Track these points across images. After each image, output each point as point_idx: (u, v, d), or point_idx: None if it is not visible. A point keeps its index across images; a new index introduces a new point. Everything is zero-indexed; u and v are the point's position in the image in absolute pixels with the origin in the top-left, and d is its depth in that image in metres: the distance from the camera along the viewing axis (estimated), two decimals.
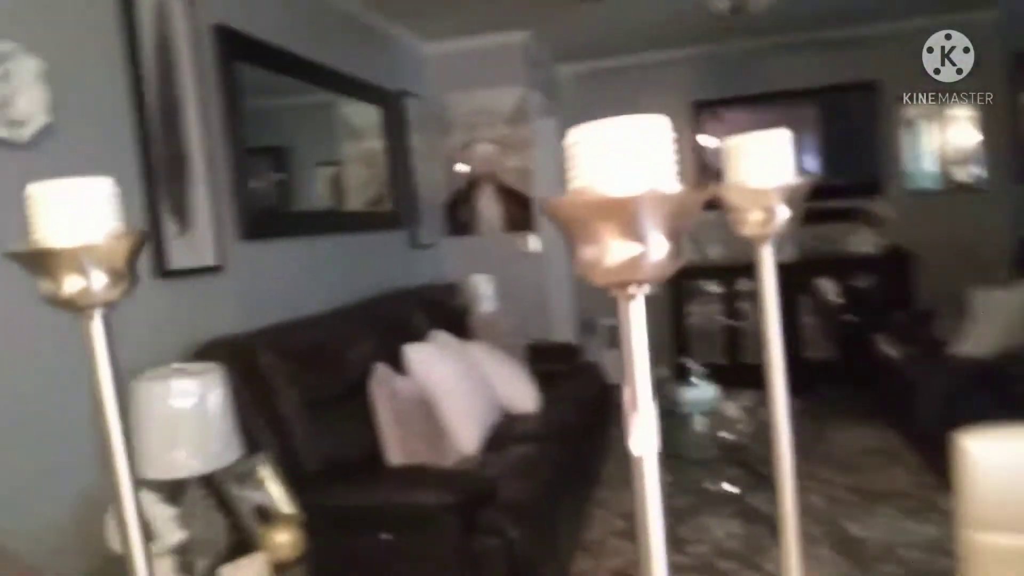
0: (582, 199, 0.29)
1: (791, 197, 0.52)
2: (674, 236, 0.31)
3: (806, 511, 2.96)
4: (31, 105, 1.84)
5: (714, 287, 5.16)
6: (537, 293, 4.54)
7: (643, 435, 0.32)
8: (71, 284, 0.38)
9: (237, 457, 1.87)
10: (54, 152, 1.89)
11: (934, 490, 3.07)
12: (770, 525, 2.87)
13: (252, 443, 2.05)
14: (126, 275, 0.39)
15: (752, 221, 0.53)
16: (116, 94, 2.16)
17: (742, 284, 4.95)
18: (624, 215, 0.29)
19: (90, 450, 1.93)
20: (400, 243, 4.11)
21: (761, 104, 5.17)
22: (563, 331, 4.67)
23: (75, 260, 0.37)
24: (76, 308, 0.39)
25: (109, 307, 0.39)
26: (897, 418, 3.78)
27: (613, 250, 0.30)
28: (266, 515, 1.97)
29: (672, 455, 3.38)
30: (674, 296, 5.14)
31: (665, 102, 5.09)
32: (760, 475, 3.06)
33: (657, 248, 0.30)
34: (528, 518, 2.17)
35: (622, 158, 0.29)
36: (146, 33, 2.25)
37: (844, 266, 4.87)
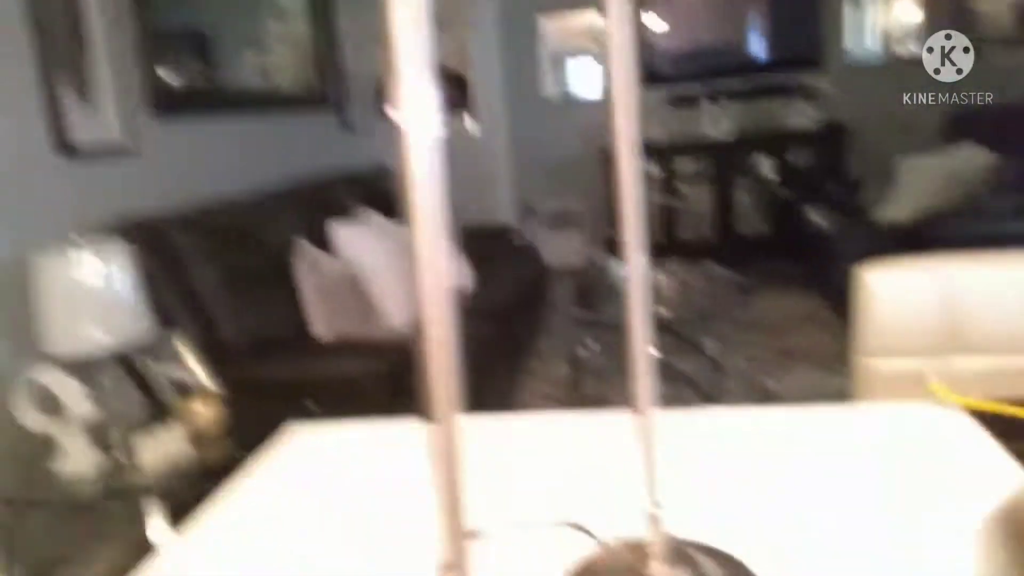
0: None
1: None
2: None
3: (729, 372, 3.07)
4: None
5: (651, 167, 5.14)
6: (474, 176, 4.46)
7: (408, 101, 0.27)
8: None
9: (147, 332, 1.83)
10: None
11: (849, 348, 3.20)
12: (695, 387, 2.97)
13: (167, 320, 2.01)
14: None
15: None
16: None
17: (680, 164, 4.93)
18: None
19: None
20: (329, 126, 3.96)
21: None
22: (503, 214, 4.64)
23: None
24: None
25: None
26: (822, 285, 3.89)
27: None
28: (186, 390, 1.95)
29: (609, 325, 3.45)
30: (607, 179, 5.12)
31: None
32: (687, 341, 3.14)
33: None
34: None
35: None
36: None
37: (781, 142, 4.87)
